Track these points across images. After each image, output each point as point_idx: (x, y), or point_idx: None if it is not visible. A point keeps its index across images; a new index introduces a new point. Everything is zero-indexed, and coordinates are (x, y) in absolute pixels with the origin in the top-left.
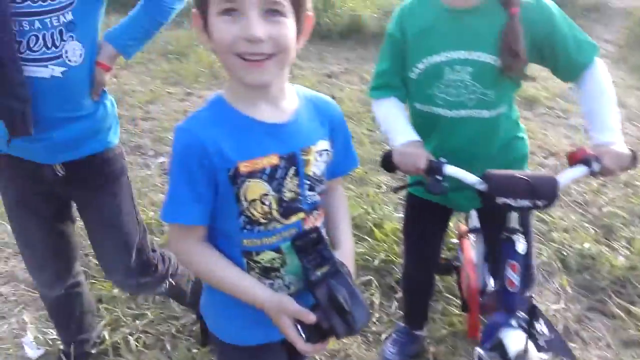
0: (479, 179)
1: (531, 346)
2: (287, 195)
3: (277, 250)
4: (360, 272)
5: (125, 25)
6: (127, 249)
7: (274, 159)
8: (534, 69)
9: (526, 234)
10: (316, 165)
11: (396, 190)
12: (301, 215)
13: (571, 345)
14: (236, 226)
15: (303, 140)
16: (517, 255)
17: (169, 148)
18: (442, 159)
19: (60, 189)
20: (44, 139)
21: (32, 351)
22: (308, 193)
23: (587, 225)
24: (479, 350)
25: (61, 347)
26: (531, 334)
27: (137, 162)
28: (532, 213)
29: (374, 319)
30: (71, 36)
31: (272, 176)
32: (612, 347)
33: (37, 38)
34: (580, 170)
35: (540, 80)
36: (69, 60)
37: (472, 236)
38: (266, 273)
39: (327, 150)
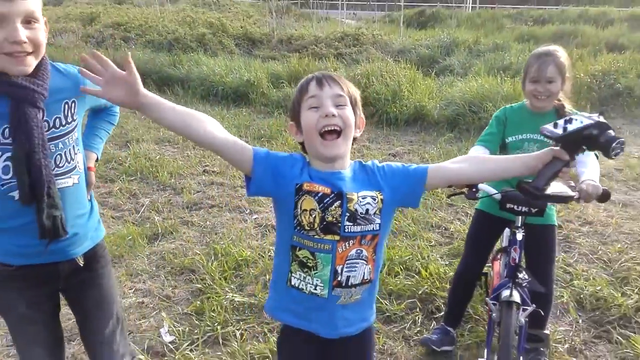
0: (497, 191)
1: (515, 293)
2: (329, 218)
3: (312, 254)
4: (408, 299)
5: (95, 134)
6: (114, 333)
7: (326, 190)
8: None
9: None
10: (359, 205)
11: (449, 196)
12: (336, 237)
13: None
14: (290, 223)
15: (349, 187)
16: (518, 242)
17: (262, 208)
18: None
19: (63, 283)
20: (70, 237)
21: (167, 337)
22: (347, 223)
23: (605, 275)
24: (487, 299)
25: None
26: (515, 281)
27: (236, 218)
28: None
29: (415, 331)
30: (78, 149)
31: (322, 200)
32: None
33: (61, 156)
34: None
35: None
36: (80, 169)
37: (500, 256)
38: (302, 267)
39: (372, 196)
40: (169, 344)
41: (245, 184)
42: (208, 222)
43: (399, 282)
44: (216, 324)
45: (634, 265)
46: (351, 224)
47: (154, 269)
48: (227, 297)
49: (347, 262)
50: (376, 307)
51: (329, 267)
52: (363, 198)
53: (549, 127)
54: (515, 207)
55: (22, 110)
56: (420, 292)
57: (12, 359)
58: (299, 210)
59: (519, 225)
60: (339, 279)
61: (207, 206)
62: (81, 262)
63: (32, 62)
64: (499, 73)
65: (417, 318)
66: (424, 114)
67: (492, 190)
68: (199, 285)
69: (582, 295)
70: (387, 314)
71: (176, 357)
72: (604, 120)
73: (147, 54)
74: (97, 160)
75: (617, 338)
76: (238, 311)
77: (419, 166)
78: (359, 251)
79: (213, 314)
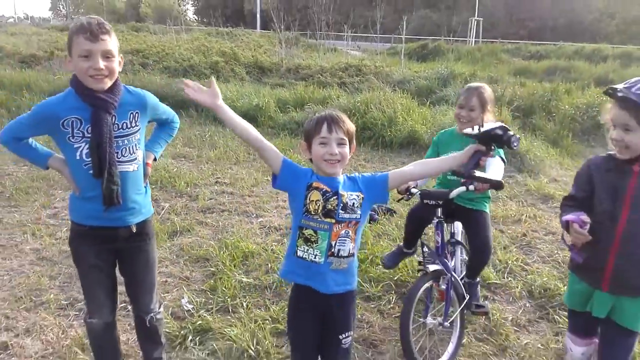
0: (418, 190)
1: (435, 267)
2: (329, 206)
3: (314, 231)
4: (385, 283)
5: (156, 141)
6: (154, 286)
7: (328, 189)
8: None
9: (483, 224)
10: (349, 199)
11: (398, 200)
12: (332, 220)
13: (517, 332)
14: (301, 210)
15: (342, 188)
16: (440, 227)
17: (266, 213)
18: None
19: (120, 244)
20: (129, 208)
21: (187, 306)
22: (340, 211)
23: (555, 273)
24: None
25: None
26: (439, 257)
27: (244, 221)
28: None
29: (389, 307)
30: (139, 147)
31: (324, 194)
32: (546, 334)
33: (126, 149)
34: (462, 189)
35: (561, 183)
36: (139, 161)
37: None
38: (306, 242)
39: (356, 195)
40: (189, 311)
41: (272, 179)
42: (220, 223)
43: (379, 270)
44: (227, 297)
45: None
46: (343, 212)
47: (174, 257)
48: (236, 278)
49: (339, 239)
50: (358, 290)
51: (326, 241)
52: (351, 195)
53: (470, 130)
54: (429, 201)
55: (98, 114)
56: (395, 279)
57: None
58: (308, 200)
59: (439, 215)
60: (332, 250)
61: (219, 210)
62: (134, 229)
63: (108, 83)
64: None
65: (391, 298)
66: (417, 138)
67: (415, 190)
68: (213, 269)
69: (533, 287)
70: (367, 294)
71: (194, 319)
72: (505, 125)
73: (164, 79)
74: (155, 159)
75: (556, 317)
76: (245, 289)
77: (383, 173)
78: (346, 232)
79: (224, 289)
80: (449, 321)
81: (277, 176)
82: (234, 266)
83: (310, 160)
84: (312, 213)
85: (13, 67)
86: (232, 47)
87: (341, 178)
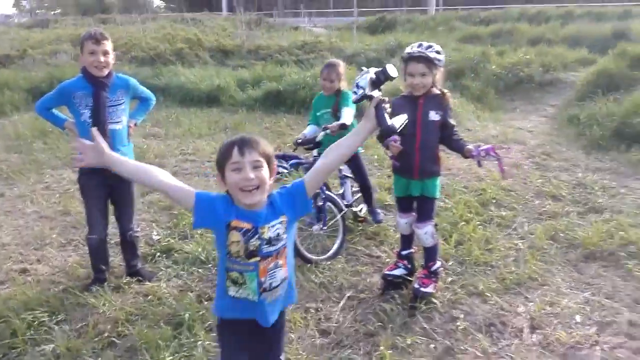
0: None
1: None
2: (251, 247)
3: (240, 274)
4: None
5: (137, 111)
6: (133, 209)
7: (248, 225)
8: None
9: (354, 166)
10: (270, 232)
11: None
12: (257, 259)
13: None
14: (223, 252)
15: (263, 222)
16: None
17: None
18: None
19: (112, 181)
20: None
21: (155, 237)
22: (264, 246)
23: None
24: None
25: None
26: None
27: (202, 180)
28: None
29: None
30: (125, 115)
31: (245, 234)
32: None
33: (115, 115)
34: (322, 132)
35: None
36: (123, 123)
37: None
38: (234, 283)
39: (279, 222)
40: (158, 240)
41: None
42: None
43: None
44: (187, 230)
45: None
46: (268, 246)
47: (146, 208)
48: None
49: (268, 273)
50: None
51: (254, 281)
52: (272, 227)
53: (355, 96)
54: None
55: (98, 91)
56: None
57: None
58: (229, 242)
59: (314, 155)
60: (264, 286)
61: (183, 174)
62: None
63: (105, 71)
64: None
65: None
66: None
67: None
68: (175, 213)
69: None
70: None
71: (162, 245)
72: (380, 69)
73: (132, 69)
74: (135, 124)
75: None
76: None
77: (296, 182)
78: (275, 263)
79: (184, 224)
80: (328, 226)
81: (193, 214)
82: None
83: (227, 192)
84: (235, 256)
85: None
86: (197, 33)
87: (263, 208)
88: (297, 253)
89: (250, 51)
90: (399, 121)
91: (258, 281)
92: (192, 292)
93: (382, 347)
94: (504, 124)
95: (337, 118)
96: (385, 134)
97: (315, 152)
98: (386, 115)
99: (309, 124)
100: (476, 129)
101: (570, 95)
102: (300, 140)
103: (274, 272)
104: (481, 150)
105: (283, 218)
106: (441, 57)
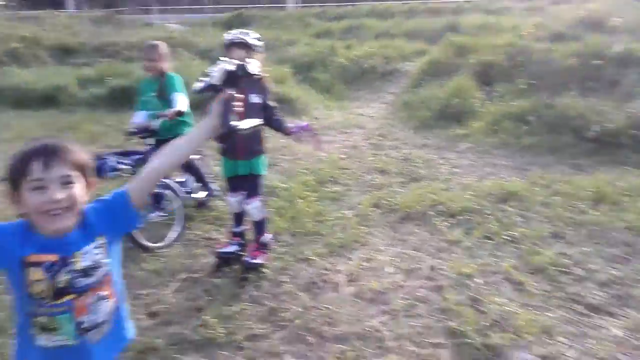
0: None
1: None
2: (60, 284)
3: (51, 317)
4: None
5: None
6: None
7: (54, 257)
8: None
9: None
10: (84, 261)
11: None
12: (71, 296)
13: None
14: (24, 295)
15: (74, 248)
16: (151, 151)
17: None
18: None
19: None
20: None
21: None
22: (80, 279)
23: (274, 174)
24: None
25: None
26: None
27: None
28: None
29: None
30: None
31: (49, 269)
32: None
33: None
34: (157, 121)
35: (321, 119)
36: None
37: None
38: (44, 330)
39: (96, 246)
40: None
41: None
42: None
43: None
44: None
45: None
46: (83, 278)
47: None
48: None
49: (88, 309)
50: None
51: (71, 323)
52: (85, 253)
53: (200, 85)
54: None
55: None
56: None
57: None
58: (27, 282)
59: (149, 143)
60: (83, 326)
61: None
62: None
63: None
64: (282, 63)
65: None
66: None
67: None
68: None
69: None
70: None
71: None
72: (241, 63)
73: None
74: None
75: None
76: None
77: (117, 192)
78: (97, 295)
79: None
80: (168, 214)
81: None
82: None
83: (23, 215)
84: (39, 298)
85: None
86: (35, 30)
87: (73, 230)
88: (134, 242)
89: (96, 49)
90: (251, 124)
91: (75, 323)
92: None
93: (208, 317)
94: (349, 112)
95: (164, 102)
96: (227, 135)
97: (151, 140)
98: (232, 116)
99: (136, 111)
100: (323, 117)
101: (406, 83)
102: (134, 130)
103: (97, 306)
104: (299, 128)
105: (101, 240)
106: (260, 43)
